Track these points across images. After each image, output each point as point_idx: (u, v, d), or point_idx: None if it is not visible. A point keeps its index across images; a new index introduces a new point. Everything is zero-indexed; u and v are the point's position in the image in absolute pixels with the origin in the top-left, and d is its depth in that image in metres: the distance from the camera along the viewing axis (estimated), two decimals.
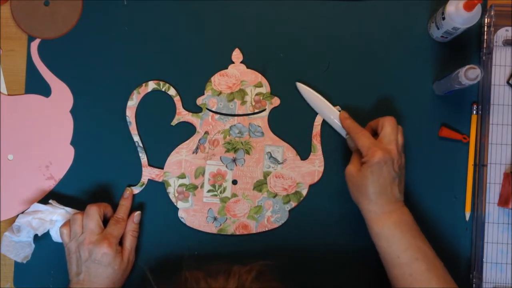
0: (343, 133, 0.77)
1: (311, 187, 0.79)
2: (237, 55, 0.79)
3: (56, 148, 0.80)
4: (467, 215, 0.78)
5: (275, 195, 0.79)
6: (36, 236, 0.77)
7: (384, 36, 0.80)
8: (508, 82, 0.78)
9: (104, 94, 0.80)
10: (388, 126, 0.72)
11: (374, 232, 0.71)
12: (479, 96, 0.79)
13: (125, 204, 0.78)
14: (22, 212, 0.77)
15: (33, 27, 0.80)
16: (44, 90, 0.80)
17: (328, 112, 0.78)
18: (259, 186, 0.79)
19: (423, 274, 0.68)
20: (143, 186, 0.79)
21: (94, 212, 0.74)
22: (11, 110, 0.80)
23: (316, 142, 0.78)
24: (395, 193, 0.71)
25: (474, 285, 0.77)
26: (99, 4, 0.81)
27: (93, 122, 0.80)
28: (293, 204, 0.79)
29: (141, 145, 0.79)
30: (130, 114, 0.79)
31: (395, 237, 0.69)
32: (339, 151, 0.79)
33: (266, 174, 0.79)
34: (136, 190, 0.79)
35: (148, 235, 0.79)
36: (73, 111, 0.80)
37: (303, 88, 0.78)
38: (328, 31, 0.80)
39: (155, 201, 0.80)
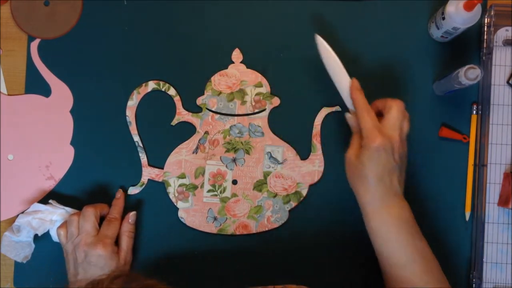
0: (348, 103, 0.73)
1: (311, 187, 0.79)
2: (237, 55, 0.79)
3: (56, 148, 0.80)
4: (467, 215, 0.78)
5: (275, 195, 0.79)
6: (36, 236, 0.77)
7: (384, 36, 0.80)
8: (508, 82, 0.78)
9: (104, 94, 0.80)
10: (395, 110, 0.68)
11: (371, 227, 0.68)
12: (479, 96, 0.79)
13: (117, 204, 0.78)
14: (22, 212, 0.77)
15: (33, 27, 0.80)
16: (44, 90, 0.80)
17: (339, 77, 0.72)
18: (259, 186, 0.79)
19: (419, 277, 0.66)
20: (143, 186, 0.79)
21: (90, 214, 0.74)
22: (11, 110, 0.80)
23: (316, 142, 0.78)
24: (394, 184, 0.68)
25: (474, 285, 0.77)
26: (99, 4, 0.81)
27: (93, 122, 0.80)
28: (293, 204, 0.79)
29: (141, 145, 0.79)
30: (130, 114, 0.79)
31: (392, 234, 0.67)
32: (340, 151, 0.79)
33: (266, 174, 0.79)
34: (136, 190, 0.79)
35: (148, 235, 0.79)
36: (73, 111, 0.80)
37: (321, 45, 0.73)
38: (328, 31, 0.80)
39: (155, 201, 0.80)
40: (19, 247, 0.76)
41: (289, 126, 0.79)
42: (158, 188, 0.79)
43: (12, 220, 0.79)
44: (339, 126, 0.79)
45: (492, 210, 0.78)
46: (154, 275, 0.79)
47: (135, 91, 0.79)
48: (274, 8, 0.80)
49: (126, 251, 0.75)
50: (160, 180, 0.79)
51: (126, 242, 0.76)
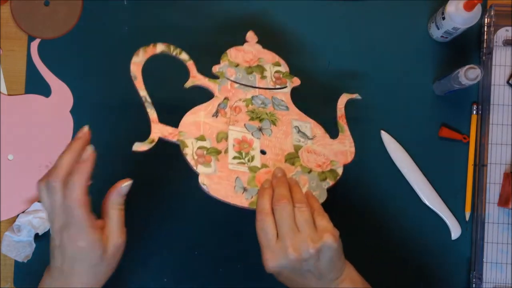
0: (422, 196, 0.77)
1: (346, 168, 0.72)
2: (251, 36, 0.74)
3: (56, 148, 0.80)
4: (467, 215, 0.78)
5: (310, 171, 0.71)
6: (37, 235, 0.77)
7: (384, 36, 0.80)
8: (508, 82, 0.79)
9: (104, 94, 0.80)
10: (277, 218, 0.62)
11: None
12: (479, 96, 0.79)
13: (77, 142, 0.60)
14: (23, 212, 0.77)
15: (33, 27, 0.80)
16: (44, 90, 0.80)
17: (410, 170, 0.77)
18: (291, 159, 0.71)
19: None
20: (153, 144, 0.68)
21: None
22: (11, 110, 0.80)
23: (343, 123, 0.73)
24: (312, 283, 0.62)
25: (474, 285, 0.77)
26: (99, 4, 0.81)
27: (93, 122, 0.80)
28: (330, 182, 0.71)
29: (148, 100, 0.69)
30: (136, 69, 0.69)
31: None
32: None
33: (297, 148, 0.71)
34: (144, 147, 0.67)
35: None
36: (73, 111, 0.80)
37: (388, 140, 0.78)
38: (328, 31, 0.80)
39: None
40: (20, 246, 0.76)
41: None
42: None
43: (13, 220, 0.79)
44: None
45: (492, 210, 0.78)
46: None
47: (141, 49, 0.70)
48: (274, 8, 0.80)
49: (116, 230, 0.60)
50: (175, 139, 0.68)
51: (116, 217, 0.60)
